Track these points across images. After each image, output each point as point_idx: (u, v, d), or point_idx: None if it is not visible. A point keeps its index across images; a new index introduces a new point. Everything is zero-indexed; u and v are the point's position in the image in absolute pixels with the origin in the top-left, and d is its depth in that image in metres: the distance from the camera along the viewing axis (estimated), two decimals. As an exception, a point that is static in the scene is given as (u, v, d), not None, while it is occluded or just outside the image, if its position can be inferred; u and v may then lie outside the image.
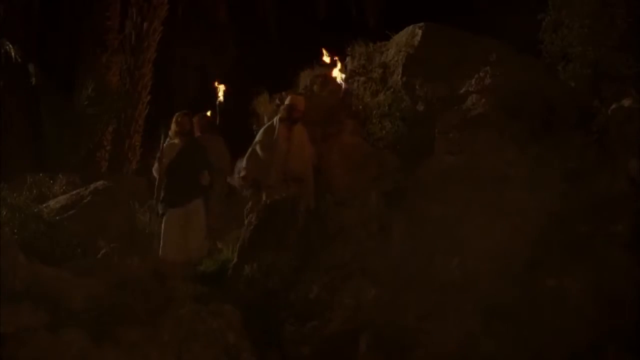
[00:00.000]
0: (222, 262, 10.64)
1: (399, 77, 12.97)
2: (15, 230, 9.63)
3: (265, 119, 12.72)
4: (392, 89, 12.82)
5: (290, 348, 8.21)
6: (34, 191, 12.97)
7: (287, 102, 11.62)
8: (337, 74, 12.12)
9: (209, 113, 12.78)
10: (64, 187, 13.54)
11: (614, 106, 11.39)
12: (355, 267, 9.66)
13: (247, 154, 11.43)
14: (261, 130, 11.65)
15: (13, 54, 16.40)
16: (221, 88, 12.64)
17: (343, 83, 11.96)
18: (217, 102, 12.95)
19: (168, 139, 11.50)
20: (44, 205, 12.13)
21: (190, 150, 11.30)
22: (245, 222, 10.70)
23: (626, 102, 11.34)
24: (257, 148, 11.33)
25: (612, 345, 9.35)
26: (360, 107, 12.78)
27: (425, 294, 9.54)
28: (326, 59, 11.56)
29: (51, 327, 6.57)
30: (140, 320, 7.07)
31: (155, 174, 11.26)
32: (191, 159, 11.15)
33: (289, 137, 11.20)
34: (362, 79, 13.49)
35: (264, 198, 10.97)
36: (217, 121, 12.71)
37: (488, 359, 8.36)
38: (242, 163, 11.38)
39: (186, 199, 11.05)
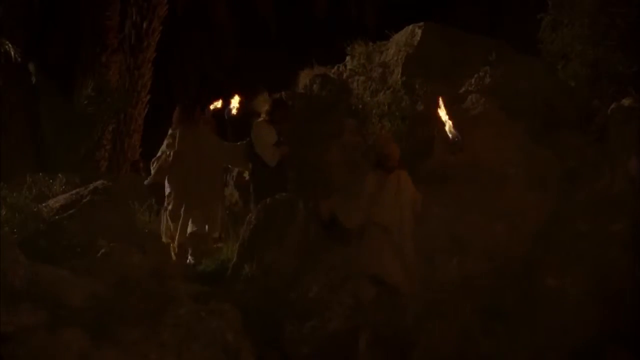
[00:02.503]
0: (222, 261, 10.64)
1: (399, 76, 12.97)
2: (15, 230, 9.62)
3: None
4: (391, 89, 12.82)
5: (290, 347, 8.22)
6: (34, 190, 12.94)
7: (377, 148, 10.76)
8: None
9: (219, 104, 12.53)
10: (63, 187, 13.51)
11: (613, 106, 11.40)
12: (355, 266, 9.67)
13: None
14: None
15: (13, 53, 16.38)
16: (236, 100, 12.43)
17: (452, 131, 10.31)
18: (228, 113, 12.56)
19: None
20: (44, 204, 12.10)
21: None
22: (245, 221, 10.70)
23: (626, 102, 11.35)
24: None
25: (611, 344, 9.36)
26: (360, 106, 12.79)
27: (425, 293, 9.55)
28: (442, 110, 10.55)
29: (50, 327, 6.57)
30: (140, 320, 7.06)
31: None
32: None
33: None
34: (362, 78, 13.49)
35: None
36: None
37: (487, 358, 8.36)
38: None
39: None
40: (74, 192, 12.45)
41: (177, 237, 11.50)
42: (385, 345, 8.22)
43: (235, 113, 11.97)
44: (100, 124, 17.77)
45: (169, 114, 11.87)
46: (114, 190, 12.44)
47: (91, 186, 12.48)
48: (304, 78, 14.15)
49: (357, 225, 10.05)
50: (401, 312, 8.76)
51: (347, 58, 14.16)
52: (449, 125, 10.01)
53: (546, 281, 10.14)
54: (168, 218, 11.68)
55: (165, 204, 11.73)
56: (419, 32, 13.22)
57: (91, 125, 17.36)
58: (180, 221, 11.49)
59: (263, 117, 11.49)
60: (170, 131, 11.77)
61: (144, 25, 19.66)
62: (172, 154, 11.53)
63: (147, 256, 9.95)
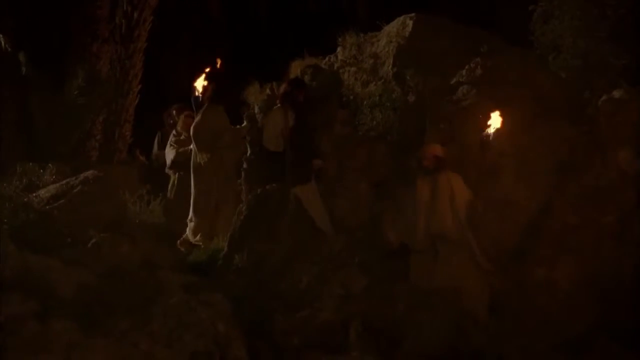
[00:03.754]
0: (213, 251, 10.64)
1: (390, 67, 12.95)
2: (5, 220, 9.60)
3: (256, 109, 12.68)
4: (383, 80, 12.81)
5: (280, 338, 8.21)
6: (24, 180, 12.91)
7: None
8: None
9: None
10: (54, 177, 13.48)
11: (604, 97, 11.41)
12: (346, 257, 9.67)
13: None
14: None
15: (3, 43, 16.34)
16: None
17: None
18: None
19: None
20: (34, 194, 12.08)
21: None
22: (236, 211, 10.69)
23: (616, 94, 11.35)
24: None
25: (601, 335, 9.39)
26: (351, 97, 12.77)
27: (415, 284, 9.57)
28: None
29: (41, 317, 6.56)
30: (130, 310, 7.06)
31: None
32: None
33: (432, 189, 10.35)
34: (353, 69, 13.47)
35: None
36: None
37: (477, 349, 8.38)
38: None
39: None
40: (64, 182, 12.43)
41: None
42: (376, 336, 8.23)
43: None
44: (90, 114, 17.70)
45: (159, 104, 11.84)
46: (104, 180, 12.41)
47: (82, 176, 12.46)
48: (295, 69, 14.12)
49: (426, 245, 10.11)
50: (392, 303, 8.77)
51: (338, 49, 14.13)
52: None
53: (536, 273, 10.17)
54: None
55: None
56: (410, 23, 13.19)
57: (82, 115, 17.30)
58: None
59: (278, 103, 11.46)
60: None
61: (135, 15, 19.57)
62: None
63: (138, 246, 9.95)
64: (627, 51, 12.88)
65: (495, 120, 9.95)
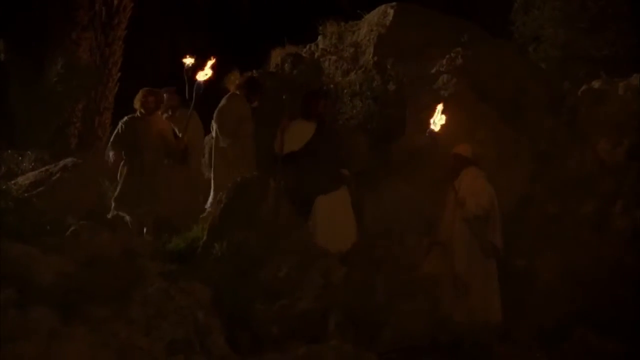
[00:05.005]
0: (192, 240, 10.60)
1: (371, 56, 12.96)
2: (-17, 207, 9.56)
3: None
4: (363, 69, 12.82)
5: (260, 326, 8.20)
6: (2, 168, 12.88)
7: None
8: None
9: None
10: (32, 164, 13.45)
11: (583, 88, 11.46)
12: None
13: None
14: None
15: (-18, 30, 16.28)
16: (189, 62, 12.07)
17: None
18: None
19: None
20: (13, 181, 12.04)
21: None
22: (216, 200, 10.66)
23: (596, 84, 11.41)
24: None
25: (579, 324, 9.43)
26: (332, 86, 12.77)
27: (395, 273, 9.58)
28: None
29: (19, 305, 6.52)
30: (109, 298, 7.03)
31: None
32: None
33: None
34: (334, 58, 13.47)
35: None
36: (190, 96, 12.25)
37: (457, 338, 8.39)
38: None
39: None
40: (43, 169, 12.39)
41: None
42: (355, 325, 8.23)
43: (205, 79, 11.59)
44: (70, 101, 17.65)
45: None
46: (84, 167, 12.37)
47: (61, 163, 12.42)
48: (276, 57, 14.11)
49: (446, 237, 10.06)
50: (371, 292, 8.78)
51: (319, 37, 14.13)
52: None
53: (516, 262, 10.21)
54: None
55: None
56: (391, 12, 13.20)
57: (61, 102, 17.25)
58: None
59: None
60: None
61: (115, 2, 19.49)
62: None
63: (117, 234, 9.91)
64: (607, 42, 12.95)
65: (439, 117, 9.80)
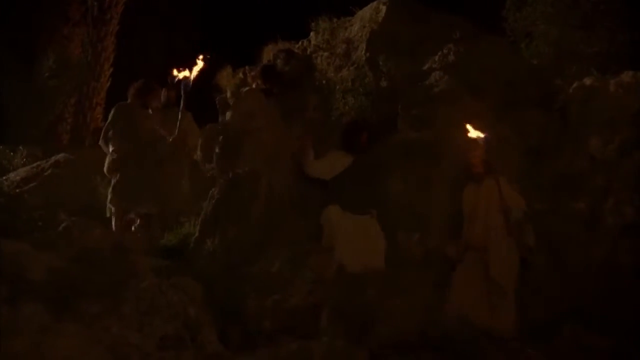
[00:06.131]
0: (184, 235, 10.61)
1: (363, 52, 12.96)
2: (-25, 203, 9.58)
3: (229, 93, 12.64)
4: (355, 65, 12.82)
5: (251, 322, 8.22)
6: (-6, 163, 12.88)
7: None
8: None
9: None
10: (24, 160, 13.46)
11: (575, 85, 11.47)
12: (318, 241, 9.69)
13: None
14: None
15: (-27, 25, 16.27)
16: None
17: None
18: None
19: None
20: (4, 177, 12.05)
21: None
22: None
23: (587, 81, 11.42)
24: None
25: (569, 321, 9.45)
26: (324, 82, 12.77)
27: (387, 269, 9.59)
28: None
29: (11, 301, 6.53)
30: (101, 294, 7.04)
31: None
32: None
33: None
34: (326, 54, 13.47)
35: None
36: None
37: (447, 334, 8.41)
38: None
39: None
40: (35, 165, 12.39)
41: None
42: (347, 321, 8.24)
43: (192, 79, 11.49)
44: (62, 97, 17.67)
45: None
46: (76, 163, 12.36)
47: (53, 159, 12.43)
48: (268, 53, 14.10)
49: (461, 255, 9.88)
50: (363, 289, 8.79)
51: (312, 33, 14.13)
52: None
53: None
54: None
55: None
56: (383, 8, 13.20)
57: (53, 98, 17.27)
58: None
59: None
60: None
61: (107, -3, 19.50)
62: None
63: (109, 230, 9.92)
64: (599, 39, 12.96)
65: (474, 132, 9.70)
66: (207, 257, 9.47)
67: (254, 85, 11.08)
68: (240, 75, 13.18)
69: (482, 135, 9.54)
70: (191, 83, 10.97)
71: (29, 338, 6.14)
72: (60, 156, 12.62)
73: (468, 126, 9.64)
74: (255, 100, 10.83)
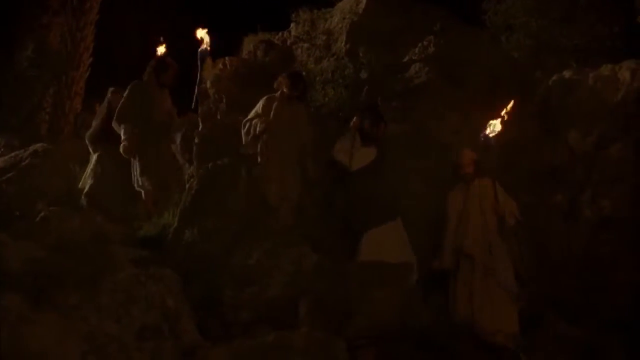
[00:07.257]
0: (163, 226, 10.59)
1: (343, 44, 12.96)
2: (-48, 193, 9.53)
3: (208, 84, 12.58)
4: (335, 56, 12.81)
5: (230, 313, 8.22)
6: (-29, 153, 12.80)
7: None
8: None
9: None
10: (2, 149, 13.38)
11: (555, 77, 11.51)
12: (297, 233, 9.67)
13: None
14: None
15: (-50, 14, 16.17)
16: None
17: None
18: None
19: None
20: (-18, 167, 11.98)
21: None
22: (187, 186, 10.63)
23: (567, 74, 11.46)
24: None
25: (550, 312, 9.49)
26: (304, 73, 12.75)
27: (367, 262, 9.58)
28: None
29: (-11, 291, 6.51)
30: (79, 284, 7.01)
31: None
32: None
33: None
34: (306, 45, 13.46)
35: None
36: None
37: (427, 327, 8.42)
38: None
39: None
40: (13, 154, 12.32)
41: None
42: (326, 312, 8.24)
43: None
44: (40, 86, 17.56)
45: (110, 77, 11.64)
46: (54, 153, 12.30)
47: (31, 149, 12.34)
48: (248, 44, 14.07)
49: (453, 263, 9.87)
50: (343, 280, 8.78)
51: (292, 25, 14.12)
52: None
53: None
54: None
55: None
56: (363, -1, 13.22)
57: (31, 87, 17.15)
58: None
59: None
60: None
61: (86, -14, 19.41)
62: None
63: (87, 220, 9.88)
64: (579, 32, 13.01)
65: (496, 126, 9.69)
66: (185, 248, 9.45)
67: (282, 92, 10.70)
68: (220, 65, 13.12)
69: (497, 130, 9.57)
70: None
71: (8, 328, 6.11)
72: (39, 146, 12.54)
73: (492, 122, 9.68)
74: (266, 106, 10.65)
